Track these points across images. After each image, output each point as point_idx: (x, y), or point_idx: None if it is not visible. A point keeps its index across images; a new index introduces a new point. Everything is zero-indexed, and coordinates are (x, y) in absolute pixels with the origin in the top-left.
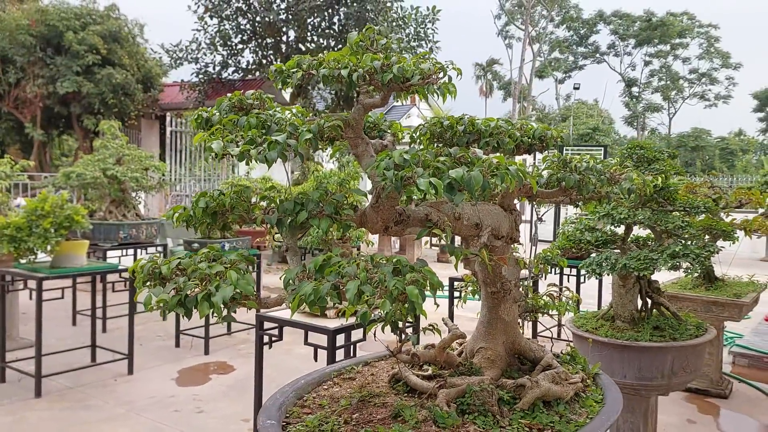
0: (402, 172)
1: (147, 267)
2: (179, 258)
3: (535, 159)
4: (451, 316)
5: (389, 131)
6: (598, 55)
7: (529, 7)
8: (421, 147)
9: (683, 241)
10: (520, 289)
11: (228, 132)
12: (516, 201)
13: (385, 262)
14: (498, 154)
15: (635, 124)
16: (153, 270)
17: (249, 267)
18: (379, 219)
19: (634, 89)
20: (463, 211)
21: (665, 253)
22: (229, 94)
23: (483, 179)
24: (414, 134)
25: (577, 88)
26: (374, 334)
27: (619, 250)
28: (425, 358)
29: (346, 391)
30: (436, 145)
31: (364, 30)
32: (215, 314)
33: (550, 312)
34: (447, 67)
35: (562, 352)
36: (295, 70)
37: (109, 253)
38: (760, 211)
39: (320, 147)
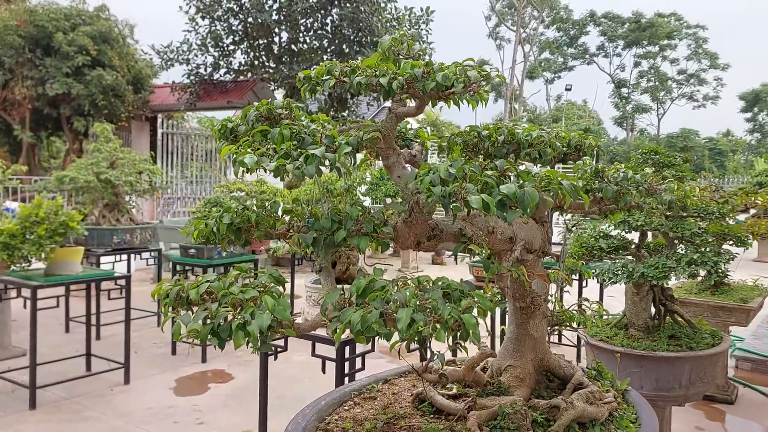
0: (450, 187)
1: (173, 291)
2: (208, 281)
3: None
4: None
5: (417, 140)
6: (587, 56)
7: (520, 8)
8: (460, 159)
9: (698, 248)
10: (549, 302)
11: (258, 144)
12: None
13: (431, 285)
14: (549, 168)
15: (625, 124)
16: (180, 294)
17: (282, 289)
18: (412, 234)
19: (624, 90)
20: (496, 225)
21: (683, 261)
22: (255, 103)
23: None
24: (443, 143)
25: (569, 89)
26: (398, 353)
27: (632, 257)
28: (453, 378)
29: (369, 413)
30: (465, 155)
31: (397, 35)
32: (251, 344)
33: (575, 325)
34: (492, 75)
35: (588, 367)
36: (327, 77)
37: (103, 259)
38: (752, 211)
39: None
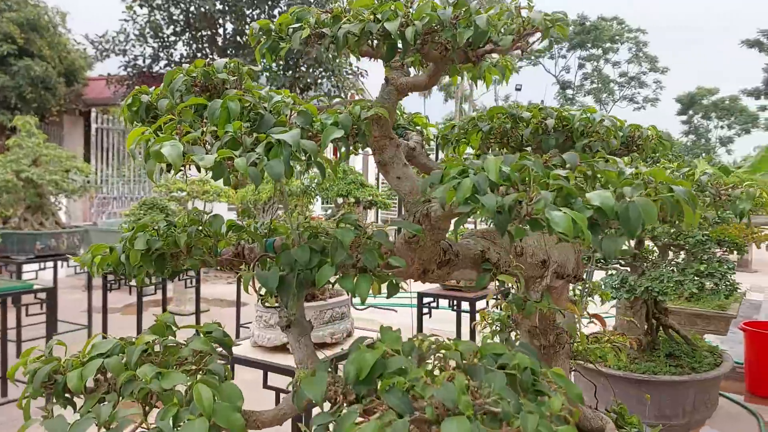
0: (513, 196)
1: (42, 372)
2: (101, 355)
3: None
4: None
5: (414, 128)
6: (533, 57)
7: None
8: (509, 153)
9: (695, 256)
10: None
11: (188, 126)
12: None
13: (480, 358)
14: (655, 168)
15: None
16: (53, 376)
17: (228, 364)
18: (417, 258)
19: (569, 91)
20: (525, 244)
21: (689, 273)
22: (186, 65)
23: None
24: (448, 132)
25: (519, 90)
26: None
27: (627, 267)
28: None
29: None
30: (483, 148)
31: None
32: None
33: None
34: (554, 22)
35: (607, 410)
36: (298, 25)
37: (25, 267)
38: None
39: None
